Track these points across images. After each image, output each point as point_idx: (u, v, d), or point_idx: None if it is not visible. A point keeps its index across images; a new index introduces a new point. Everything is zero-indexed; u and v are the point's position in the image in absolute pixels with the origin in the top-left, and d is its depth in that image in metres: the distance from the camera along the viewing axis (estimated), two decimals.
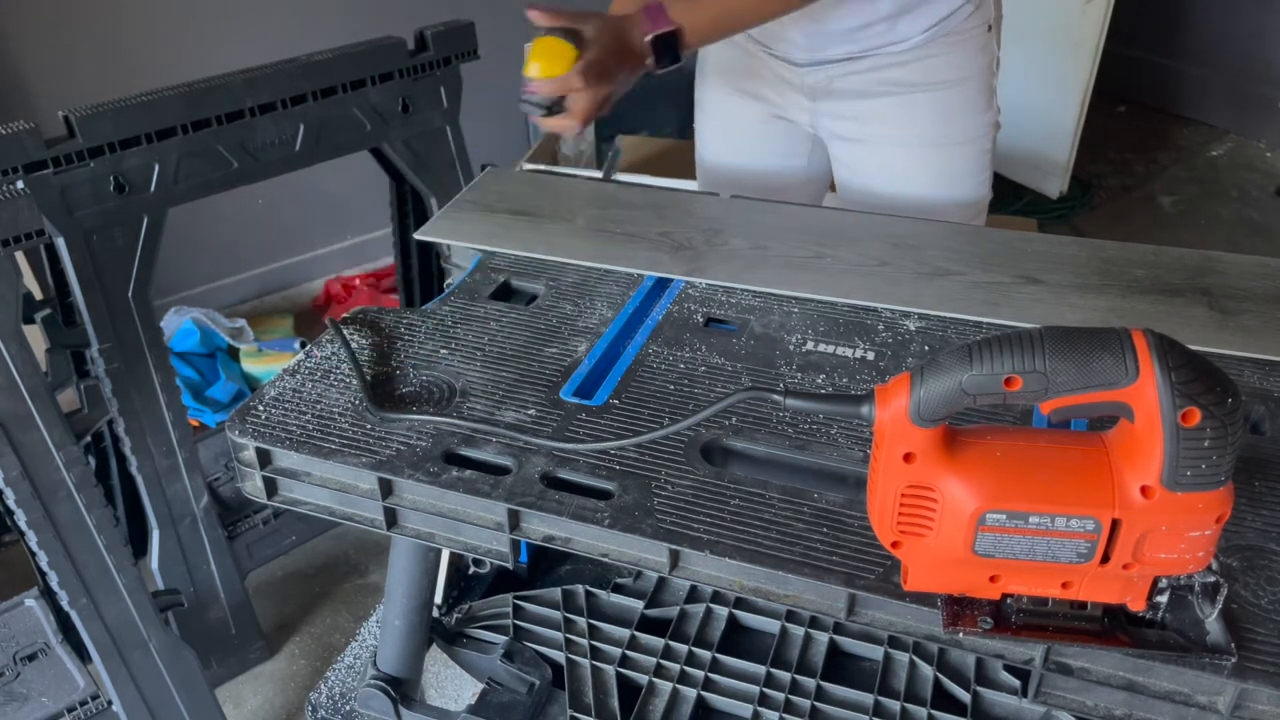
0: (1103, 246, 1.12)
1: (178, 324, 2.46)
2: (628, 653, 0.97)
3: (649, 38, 1.08)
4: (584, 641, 0.99)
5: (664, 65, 1.10)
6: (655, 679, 0.95)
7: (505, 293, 1.07)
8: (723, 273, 1.07)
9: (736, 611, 1.00)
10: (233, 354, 2.47)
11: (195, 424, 2.21)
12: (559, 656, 0.99)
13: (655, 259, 1.10)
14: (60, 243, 1.31)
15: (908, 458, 0.60)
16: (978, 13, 1.28)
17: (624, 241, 1.13)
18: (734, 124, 1.47)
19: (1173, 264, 1.08)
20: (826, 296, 1.03)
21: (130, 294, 1.40)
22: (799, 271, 1.07)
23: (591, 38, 1.06)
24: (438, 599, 1.07)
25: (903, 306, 1.01)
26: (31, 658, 1.31)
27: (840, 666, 0.96)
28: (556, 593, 1.04)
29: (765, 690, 0.92)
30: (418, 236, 1.16)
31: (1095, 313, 0.99)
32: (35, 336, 1.28)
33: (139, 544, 1.64)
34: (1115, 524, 0.58)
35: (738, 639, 0.99)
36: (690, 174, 1.59)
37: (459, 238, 1.14)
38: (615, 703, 0.93)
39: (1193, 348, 0.56)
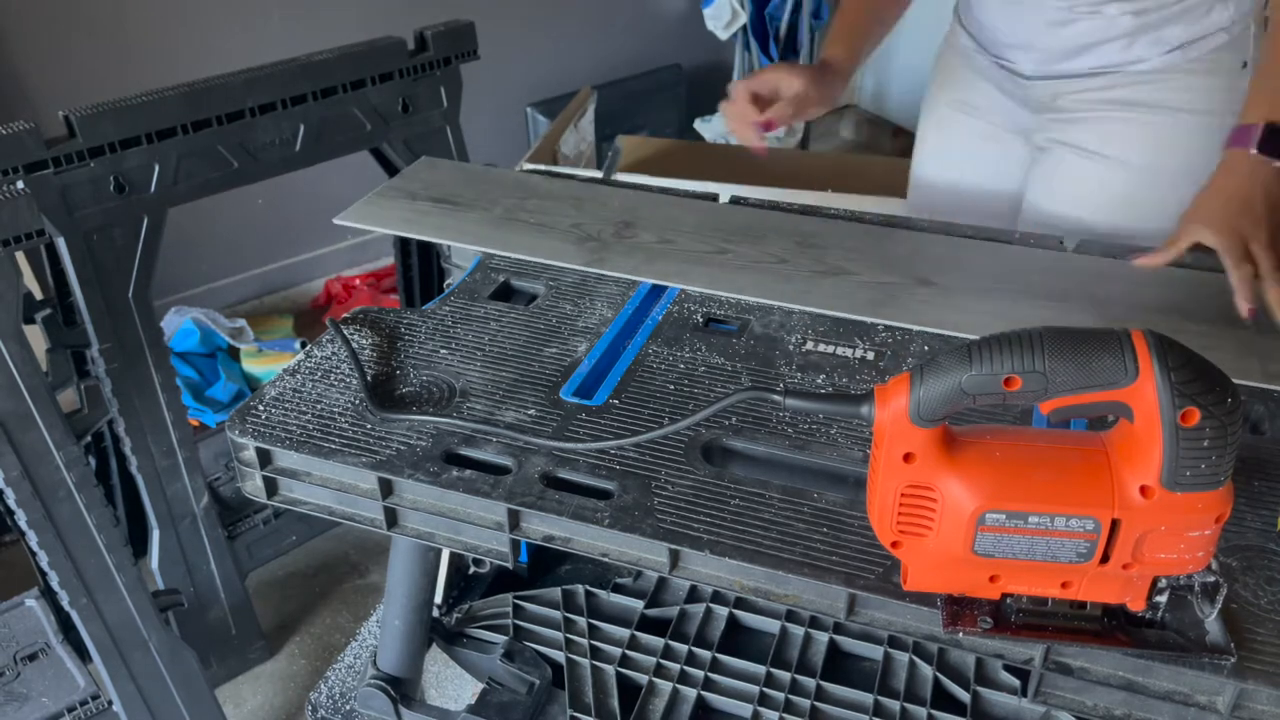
0: (1007, 251, 1.12)
1: (178, 324, 2.46)
2: (628, 653, 0.97)
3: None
4: (584, 641, 0.99)
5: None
6: (655, 679, 0.95)
7: (505, 293, 1.07)
8: (623, 265, 1.08)
9: (736, 611, 1.00)
10: (233, 354, 2.47)
11: (195, 424, 2.21)
12: (559, 656, 0.99)
13: (560, 249, 1.11)
14: (60, 243, 1.31)
15: (907, 458, 0.60)
16: (1232, 45, 1.19)
17: (534, 231, 1.15)
18: (950, 140, 1.45)
19: (1072, 270, 1.07)
20: (718, 291, 1.04)
21: (130, 294, 1.40)
22: (696, 266, 1.08)
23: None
24: (438, 599, 1.07)
25: (788, 304, 1.02)
26: (32, 657, 1.31)
27: (840, 666, 0.96)
28: (556, 592, 1.04)
29: (765, 690, 0.92)
30: (337, 221, 1.18)
31: (980, 316, 0.99)
32: (35, 336, 1.28)
33: (139, 544, 1.64)
34: (1115, 524, 0.58)
35: (738, 639, 0.99)
36: (690, 173, 1.59)
37: (375, 223, 1.16)
38: (615, 703, 0.93)
39: None
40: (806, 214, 1.20)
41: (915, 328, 0.98)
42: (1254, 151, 1.01)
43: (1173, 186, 1.18)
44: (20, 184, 1.15)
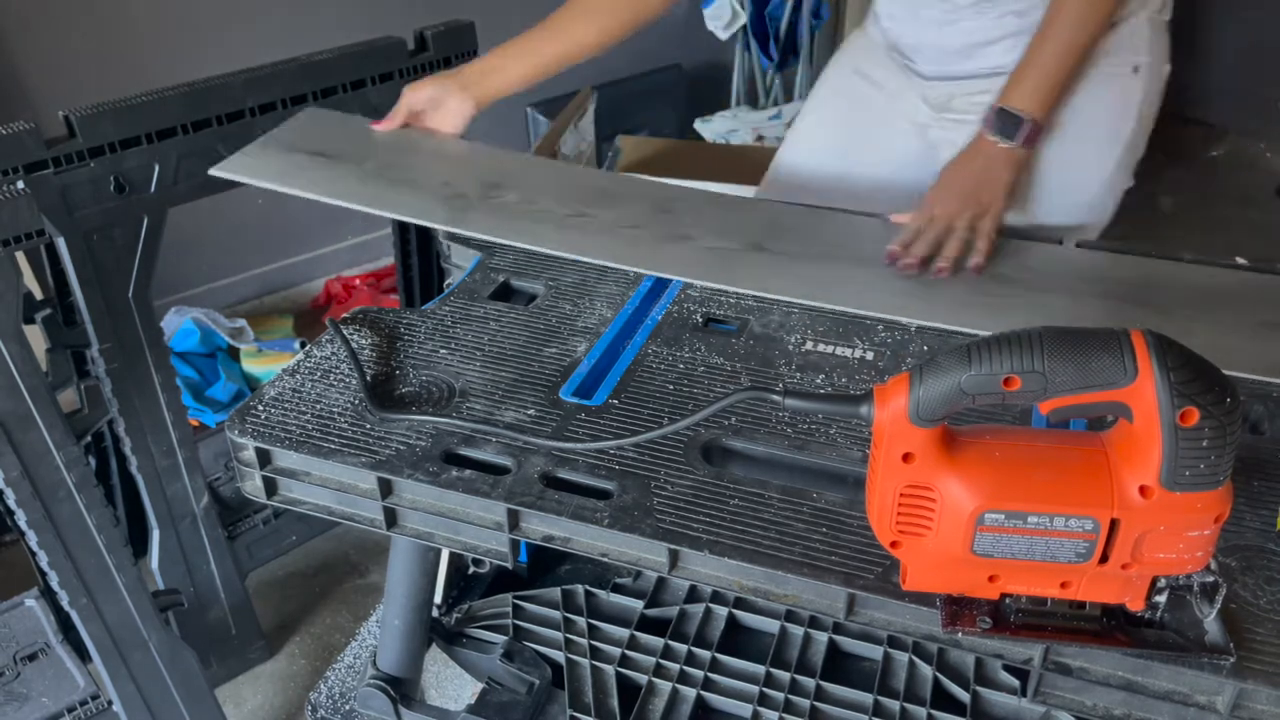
0: (855, 222, 1.15)
1: (178, 324, 2.46)
2: (627, 652, 0.98)
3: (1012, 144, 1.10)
4: (584, 641, 0.99)
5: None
6: (655, 679, 0.95)
7: (505, 293, 1.07)
8: (482, 225, 1.10)
9: (736, 611, 1.00)
10: (233, 354, 2.47)
11: (195, 424, 2.21)
12: (559, 656, 0.99)
13: (425, 207, 1.12)
14: (60, 243, 1.31)
15: (907, 458, 0.60)
16: (1121, 52, 1.20)
17: (403, 188, 1.15)
18: (843, 108, 1.44)
19: (875, 237, 1.10)
20: (568, 254, 1.08)
21: (130, 294, 1.40)
22: (551, 228, 1.11)
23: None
24: (438, 599, 1.07)
25: (631, 268, 1.05)
26: (32, 658, 1.31)
27: (840, 666, 0.96)
28: (556, 592, 1.04)
29: (765, 690, 0.92)
30: (212, 172, 1.18)
31: (802, 281, 1.03)
32: (35, 336, 1.28)
33: (139, 544, 1.64)
34: (1114, 524, 0.58)
35: (737, 639, 0.99)
36: (690, 173, 1.59)
37: (251, 176, 1.17)
38: (615, 702, 0.93)
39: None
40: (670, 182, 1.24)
41: (738, 289, 1.03)
42: (984, 131, 1.10)
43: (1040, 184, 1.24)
44: (20, 184, 1.15)
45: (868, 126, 1.41)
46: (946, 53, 1.28)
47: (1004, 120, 1.10)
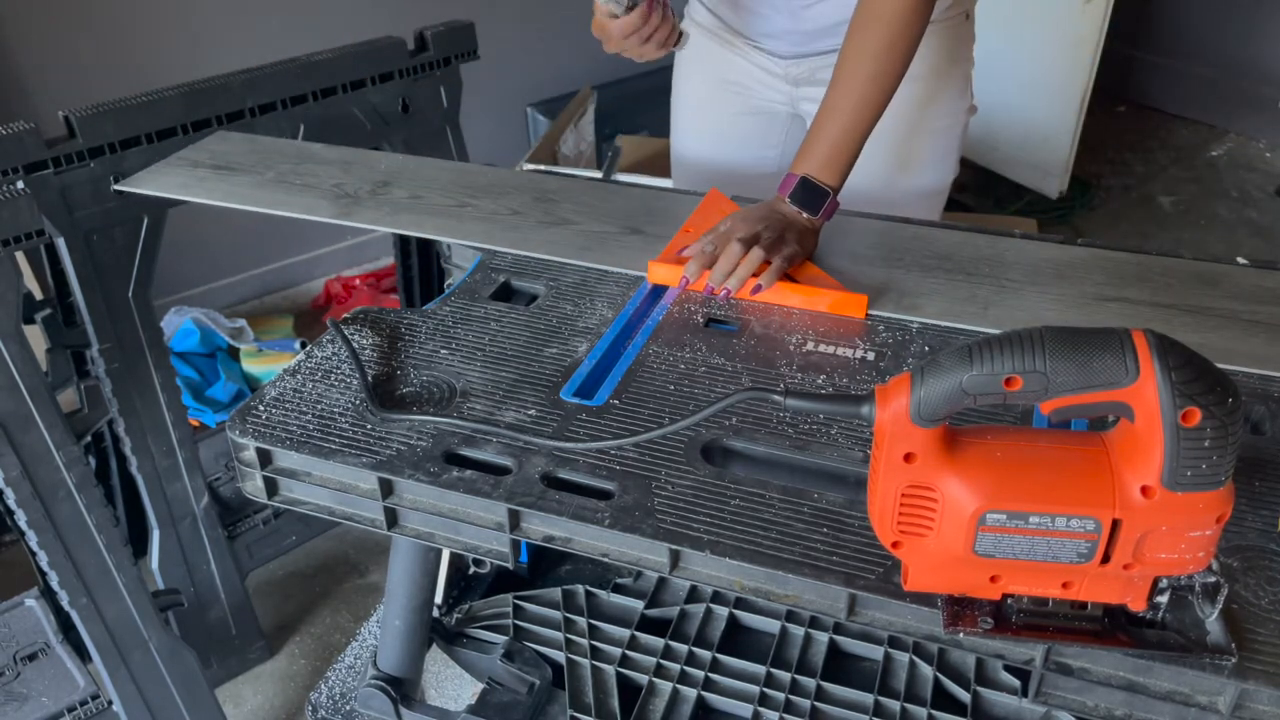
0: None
1: (178, 324, 2.46)
2: (628, 653, 0.98)
3: (812, 216, 1.08)
4: (584, 641, 0.99)
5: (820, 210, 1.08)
6: (655, 679, 0.95)
7: (505, 293, 1.07)
8: (368, 217, 1.16)
9: (736, 611, 1.00)
10: (233, 354, 2.47)
11: (195, 424, 2.21)
12: (559, 656, 0.99)
13: (314, 205, 1.18)
14: (60, 243, 1.31)
15: (908, 458, 0.60)
16: (956, 2, 1.29)
17: (297, 191, 1.22)
18: (710, 115, 1.49)
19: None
20: (445, 238, 1.14)
21: (130, 294, 1.40)
22: (434, 217, 1.17)
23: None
24: (438, 599, 1.07)
25: (508, 249, 1.11)
26: (31, 658, 1.31)
27: (840, 666, 0.96)
28: (556, 593, 1.04)
29: (765, 690, 0.92)
30: (117, 188, 1.25)
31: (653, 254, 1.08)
32: (35, 336, 1.28)
33: (139, 544, 1.64)
34: (1115, 524, 0.58)
35: (738, 639, 0.99)
36: None
37: (155, 188, 1.24)
38: (615, 703, 0.94)
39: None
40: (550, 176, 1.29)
41: (614, 269, 1.07)
42: (784, 198, 1.08)
43: (927, 143, 1.31)
44: (20, 184, 1.15)
45: (743, 127, 1.46)
46: (806, 35, 1.31)
47: (808, 191, 1.07)
